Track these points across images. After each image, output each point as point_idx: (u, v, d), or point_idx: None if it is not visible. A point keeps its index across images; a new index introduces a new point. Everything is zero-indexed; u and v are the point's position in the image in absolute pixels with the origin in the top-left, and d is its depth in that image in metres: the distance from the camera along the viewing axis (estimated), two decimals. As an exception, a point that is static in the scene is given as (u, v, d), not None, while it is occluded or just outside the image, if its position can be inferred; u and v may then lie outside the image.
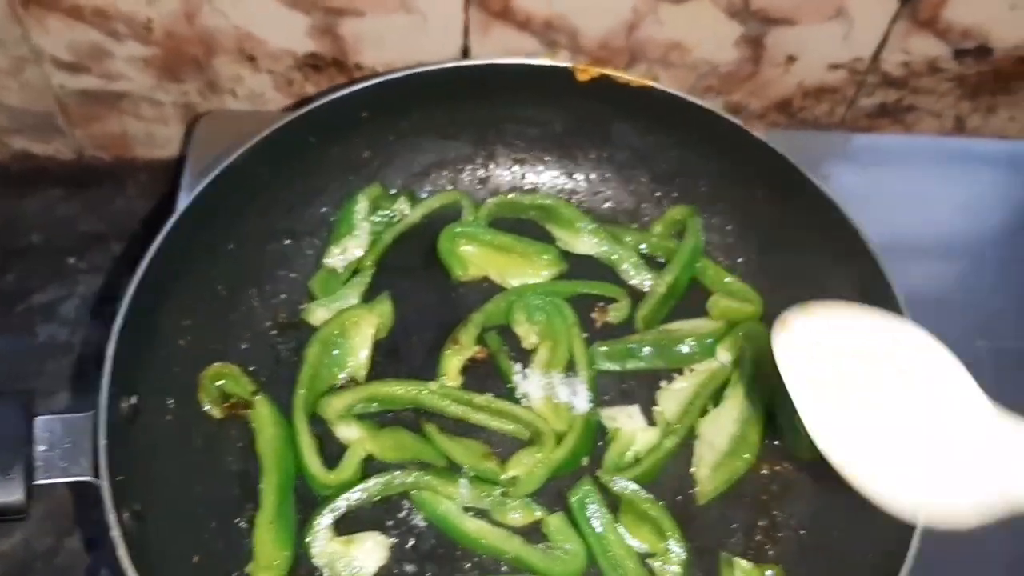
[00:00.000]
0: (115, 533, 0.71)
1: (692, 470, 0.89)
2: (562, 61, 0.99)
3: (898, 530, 0.77)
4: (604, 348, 0.94)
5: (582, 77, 0.96)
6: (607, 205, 1.05)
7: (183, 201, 0.89)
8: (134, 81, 1.11)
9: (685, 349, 0.94)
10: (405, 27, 1.06)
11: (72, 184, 1.20)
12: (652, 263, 1.01)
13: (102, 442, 0.74)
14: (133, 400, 0.81)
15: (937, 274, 1.09)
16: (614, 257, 1.00)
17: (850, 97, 1.17)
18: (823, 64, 1.12)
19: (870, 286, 0.88)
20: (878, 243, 0.89)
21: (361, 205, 0.99)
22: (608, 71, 0.97)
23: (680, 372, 0.94)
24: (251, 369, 0.91)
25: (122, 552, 0.71)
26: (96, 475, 0.74)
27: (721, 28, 1.06)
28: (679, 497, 0.88)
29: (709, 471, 0.88)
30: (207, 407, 0.88)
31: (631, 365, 0.94)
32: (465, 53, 1.09)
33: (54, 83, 1.11)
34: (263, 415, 0.86)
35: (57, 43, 1.06)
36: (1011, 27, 1.09)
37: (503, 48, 1.08)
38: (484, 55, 1.08)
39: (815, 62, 1.11)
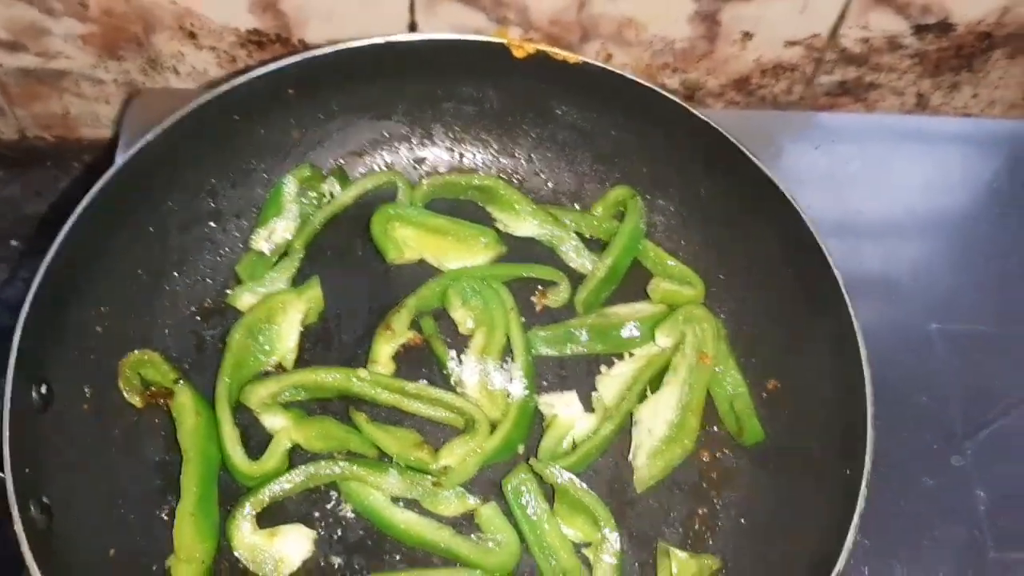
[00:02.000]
0: (18, 527, 0.69)
1: (630, 458, 0.88)
2: (498, 37, 0.95)
3: (838, 518, 0.76)
4: (543, 333, 0.93)
5: (518, 54, 0.94)
6: (548, 186, 1.03)
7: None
8: (73, 59, 1.10)
9: (625, 333, 0.92)
10: (350, 2, 1.04)
11: (15, 165, 1.19)
12: (593, 245, 0.99)
13: (5, 433, 0.71)
14: (43, 389, 0.78)
15: (895, 255, 1.08)
16: (554, 239, 0.99)
17: (809, 75, 1.17)
18: (780, 40, 1.11)
19: (812, 269, 0.87)
20: (834, 222, 0.87)
21: (290, 186, 0.96)
22: (544, 47, 0.94)
23: (620, 357, 0.93)
24: (173, 356, 0.89)
25: (25, 547, 0.68)
26: (0, 468, 0.71)
27: (675, 4, 1.06)
28: (616, 485, 0.87)
29: (647, 458, 0.87)
30: (127, 395, 0.85)
31: (570, 350, 0.93)
32: (412, 29, 1.07)
33: None
34: (184, 404, 0.84)
35: None
36: (973, 2, 1.08)
37: (451, 24, 1.06)
38: (431, 31, 1.06)
39: (772, 38, 1.10)
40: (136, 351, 0.86)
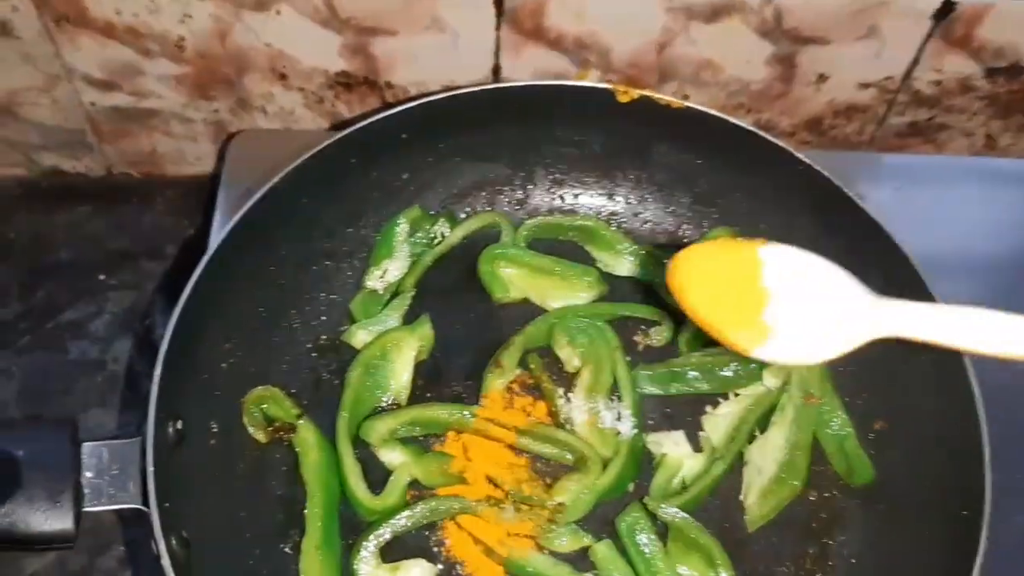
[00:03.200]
0: (165, 562, 0.71)
1: (741, 497, 0.88)
2: (594, 80, 0.99)
3: (953, 562, 0.76)
4: (648, 372, 0.93)
5: (623, 99, 0.96)
6: (647, 226, 1.05)
7: (221, 224, 0.90)
8: (165, 99, 1.11)
9: (730, 373, 0.93)
10: (436, 46, 1.06)
11: (101, 201, 1.20)
12: None
13: (150, 468, 0.73)
14: (178, 425, 0.80)
15: (968, 297, 1.07)
16: (655, 280, 0.99)
17: (881, 115, 1.17)
18: (854, 83, 1.12)
19: None
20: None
21: (401, 227, 0.99)
22: (648, 92, 0.97)
23: (725, 396, 0.93)
24: (293, 392, 0.91)
25: None
26: (144, 502, 0.73)
27: (753, 47, 1.06)
28: (727, 524, 0.87)
29: (757, 497, 0.87)
30: (251, 431, 0.87)
31: (675, 389, 0.93)
32: (496, 72, 1.09)
33: (85, 100, 1.11)
34: (307, 439, 0.86)
35: (89, 61, 1.06)
36: None
37: (534, 67, 1.08)
38: (515, 74, 1.08)
39: (846, 81, 1.11)
40: (259, 387, 0.88)
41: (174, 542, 0.73)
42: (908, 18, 1.03)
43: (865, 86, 1.12)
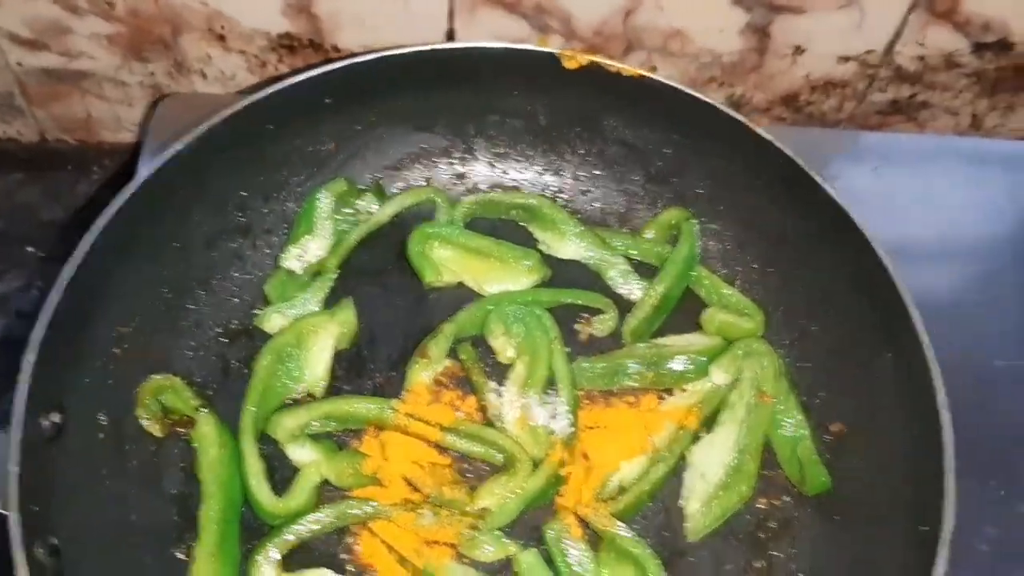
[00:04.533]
0: (21, 573, 0.65)
1: (681, 503, 0.85)
2: (553, 47, 0.94)
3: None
4: (587, 364, 0.89)
5: (570, 64, 0.92)
6: (595, 205, 1.01)
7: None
8: (97, 60, 1.08)
9: (677, 367, 0.89)
10: (386, 8, 1.03)
11: (34, 168, 1.17)
12: (643, 270, 0.97)
13: (13, 469, 0.67)
14: (56, 418, 0.75)
15: (948, 280, 1.06)
16: (601, 263, 0.96)
17: (860, 92, 1.15)
18: (832, 56, 1.09)
19: (885, 310, 0.84)
20: (887, 245, 0.85)
21: (324, 201, 0.94)
22: (598, 58, 0.93)
23: (670, 393, 0.90)
24: (197, 382, 0.87)
25: None
26: (4, 505, 0.67)
27: (725, 15, 1.03)
28: (666, 533, 0.84)
29: (700, 505, 0.84)
30: (146, 424, 0.82)
31: (617, 384, 0.89)
32: (450, 37, 1.06)
33: (11, 60, 1.08)
34: (207, 434, 0.81)
35: (13, 18, 1.03)
36: None
37: (491, 32, 1.04)
38: (470, 39, 1.04)
39: (824, 54, 1.09)
40: (157, 376, 0.82)
41: (40, 551, 0.68)
42: None
43: (844, 60, 1.10)
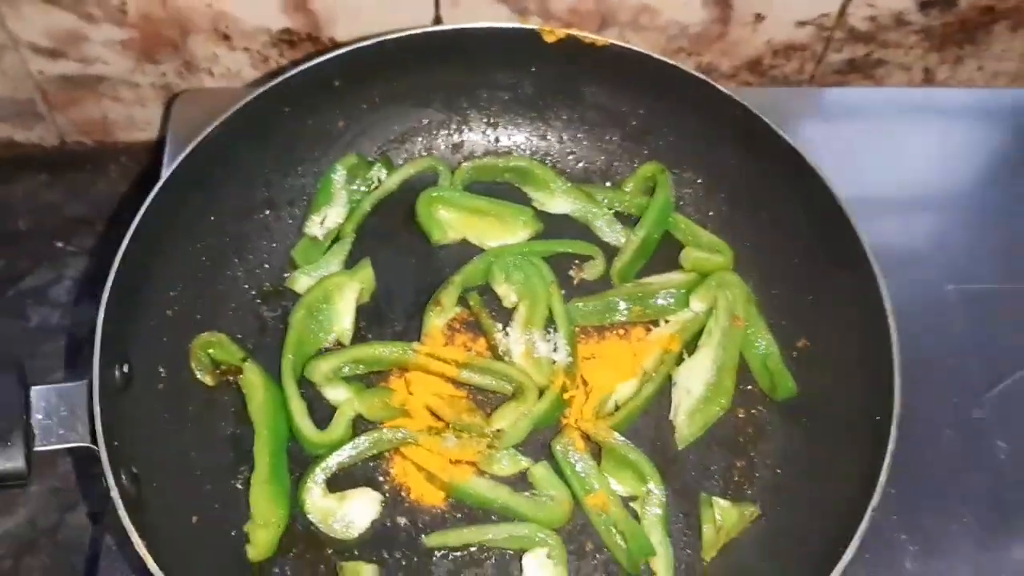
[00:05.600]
0: (115, 495, 0.73)
1: (670, 416, 0.92)
2: (526, 24, 0.99)
3: (868, 464, 0.80)
4: (581, 304, 0.96)
5: (549, 38, 0.98)
6: (580, 164, 1.07)
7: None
8: (111, 64, 1.12)
9: (660, 301, 0.96)
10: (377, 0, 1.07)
11: (56, 169, 1.21)
12: (625, 220, 1.03)
13: (96, 408, 0.75)
14: (125, 369, 0.82)
15: (909, 226, 1.11)
16: (588, 215, 1.02)
17: (819, 54, 1.18)
18: (791, 21, 1.13)
19: (838, 237, 0.90)
20: (850, 196, 0.91)
21: (339, 174, 1.00)
22: (574, 32, 0.98)
23: (656, 324, 0.96)
24: (239, 337, 0.93)
25: (123, 512, 0.73)
26: (93, 441, 0.76)
27: None
28: (658, 443, 0.91)
29: (686, 417, 0.90)
30: (199, 375, 0.90)
31: (609, 319, 0.96)
32: (438, 23, 1.10)
33: (33, 69, 1.12)
34: (253, 381, 0.88)
35: (34, 29, 1.07)
36: None
37: (475, 16, 1.08)
38: (456, 24, 1.06)
39: (783, 19, 1.13)
40: (204, 333, 0.90)
41: (125, 478, 0.76)
42: None
43: (802, 24, 1.13)
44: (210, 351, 0.90)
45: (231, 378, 0.90)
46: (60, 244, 1.15)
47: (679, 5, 1.11)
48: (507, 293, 0.97)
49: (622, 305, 0.96)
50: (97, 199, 1.19)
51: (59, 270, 1.13)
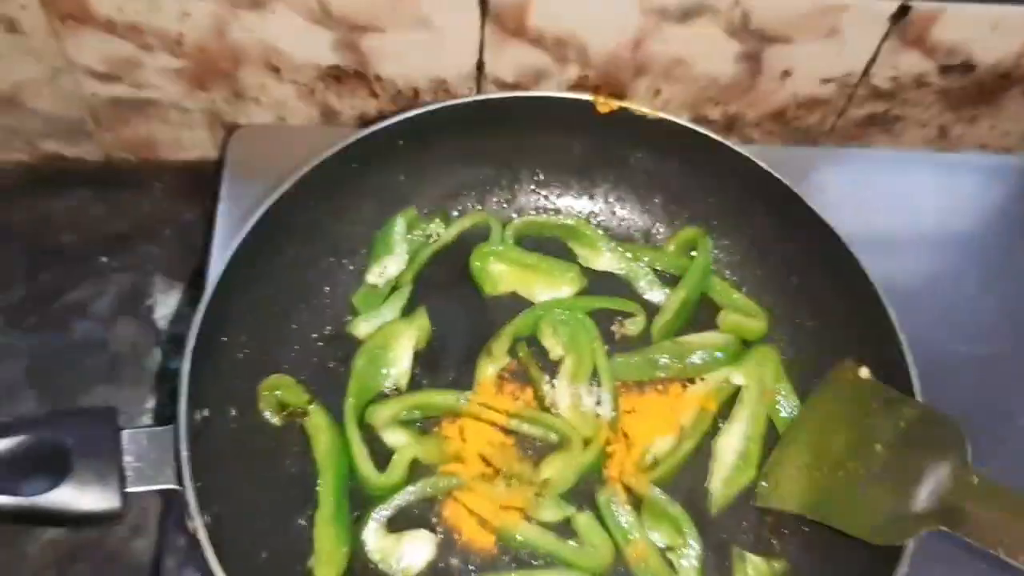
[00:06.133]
0: (202, 536, 0.78)
1: (706, 484, 0.96)
2: (572, 78, 1.03)
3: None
4: (623, 359, 1.01)
5: (603, 109, 1.02)
6: (623, 224, 1.11)
7: (225, 216, 0.99)
8: (164, 90, 1.15)
9: (698, 360, 1.00)
10: (423, 43, 1.11)
11: (100, 185, 1.23)
12: (665, 279, 1.07)
13: (184, 453, 0.80)
14: (205, 412, 0.86)
15: (920, 274, 1.17)
16: (631, 273, 1.07)
17: (840, 108, 1.22)
18: (816, 78, 1.17)
19: (865, 310, 0.95)
20: (864, 245, 0.96)
21: (399, 226, 1.05)
22: (626, 104, 1.03)
23: (692, 381, 1.01)
24: (302, 379, 0.97)
25: (210, 553, 0.77)
26: (179, 482, 0.80)
27: (721, 45, 1.11)
28: (693, 496, 0.95)
29: (720, 484, 0.95)
30: (267, 415, 0.93)
31: (648, 375, 1.00)
32: (480, 67, 1.14)
33: (86, 91, 1.14)
34: (318, 423, 0.92)
35: (91, 55, 1.09)
36: (993, 45, 1.15)
37: (516, 63, 1.12)
38: (498, 69, 1.14)
39: (809, 76, 1.17)
40: (273, 375, 0.94)
41: (207, 518, 0.80)
42: (867, 19, 1.09)
43: (826, 81, 1.17)
44: (277, 392, 0.94)
45: (296, 419, 0.94)
46: (103, 259, 1.17)
47: (712, 59, 1.15)
48: (554, 346, 1.01)
49: (662, 362, 1.00)
50: (140, 216, 1.21)
51: (101, 285, 1.15)
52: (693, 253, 1.09)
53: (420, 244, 1.06)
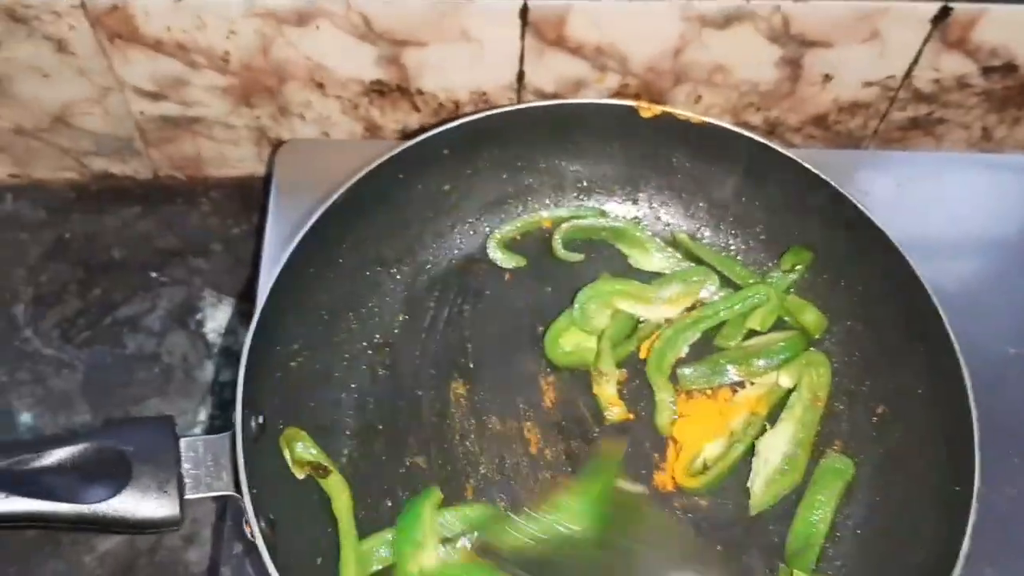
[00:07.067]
0: (260, 542, 0.78)
1: (748, 484, 0.95)
2: (612, 85, 1.03)
3: (948, 532, 0.84)
4: (690, 370, 1.01)
5: (645, 114, 1.02)
6: (668, 228, 1.11)
7: (274, 230, 1.00)
8: (210, 107, 1.16)
9: (762, 363, 1.00)
10: (465, 55, 1.11)
11: (149, 202, 1.25)
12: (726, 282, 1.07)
13: (241, 460, 0.80)
14: (259, 419, 0.87)
15: (964, 276, 1.15)
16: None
17: (883, 111, 1.21)
18: (857, 82, 1.16)
19: (917, 311, 0.94)
20: (911, 248, 0.95)
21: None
22: (669, 109, 1.03)
23: (742, 386, 1.00)
24: (352, 387, 0.98)
25: (267, 558, 0.78)
26: (237, 489, 0.81)
27: (762, 51, 1.11)
28: (742, 502, 0.94)
29: (763, 485, 0.93)
30: (291, 467, 0.90)
31: (717, 383, 1.00)
32: (520, 78, 1.15)
33: (134, 110, 1.16)
34: (335, 484, 0.90)
35: (140, 74, 1.11)
36: None
37: (556, 72, 1.12)
38: (538, 79, 1.14)
39: (850, 80, 1.16)
40: (291, 428, 0.90)
41: (263, 524, 0.81)
42: (908, 22, 1.08)
43: (868, 84, 1.16)
44: (298, 445, 0.90)
45: (318, 474, 0.90)
46: (153, 274, 1.19)
47: (752, 65, 1.14)
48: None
49: (730, 369, 1.00)
50: (188, 231, 1.22)
51: (152, 300, 1.17)
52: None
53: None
